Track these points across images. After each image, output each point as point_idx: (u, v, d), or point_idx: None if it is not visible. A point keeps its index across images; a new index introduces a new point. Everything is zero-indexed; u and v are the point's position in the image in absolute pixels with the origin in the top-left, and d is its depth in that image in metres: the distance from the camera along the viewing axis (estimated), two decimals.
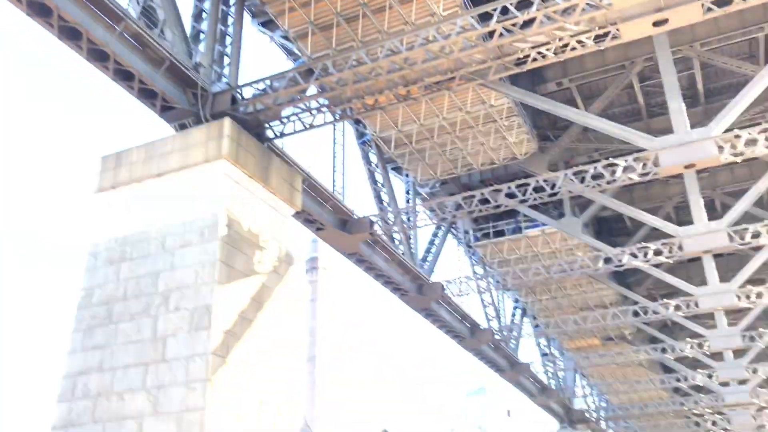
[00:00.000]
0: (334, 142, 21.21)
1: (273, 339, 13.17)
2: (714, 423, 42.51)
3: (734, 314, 28.16)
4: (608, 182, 17.53)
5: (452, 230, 28.85)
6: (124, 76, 13.43)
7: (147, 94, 13.89)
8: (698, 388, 36.45)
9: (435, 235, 27.50)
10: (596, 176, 17.76)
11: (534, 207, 23.09)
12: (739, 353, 30.52)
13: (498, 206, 19.59)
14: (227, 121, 13.50)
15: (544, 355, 38.94)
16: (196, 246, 12.52)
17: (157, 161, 13.71)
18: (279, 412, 12.83)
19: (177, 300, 12.21)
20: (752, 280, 23.54)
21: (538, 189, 18.82)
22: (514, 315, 34.96)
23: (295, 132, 15.33)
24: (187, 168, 13.36)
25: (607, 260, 22.56)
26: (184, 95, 14.26)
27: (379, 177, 22.93)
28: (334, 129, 21.40)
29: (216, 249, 12.27)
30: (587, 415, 43.94)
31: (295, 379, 13.83)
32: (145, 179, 13.71)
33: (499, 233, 28.44)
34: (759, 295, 23.62)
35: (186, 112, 14.26)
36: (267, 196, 14.18)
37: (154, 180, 13.63)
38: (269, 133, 15.21)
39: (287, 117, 15.15)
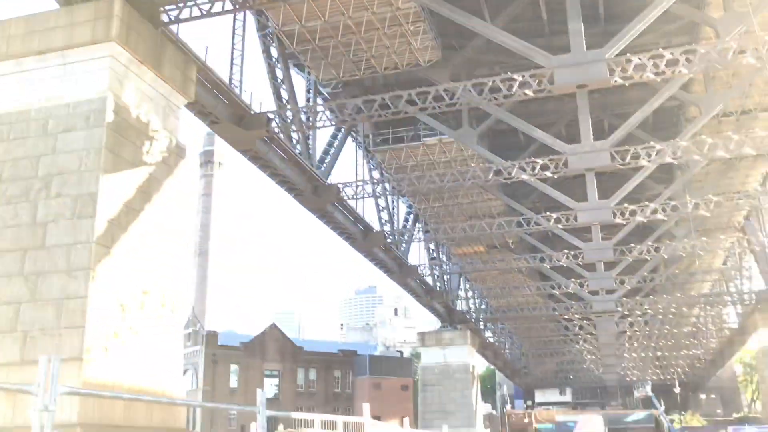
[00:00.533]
0: (234, 33, 20.32)
1: (160, 231, 12.99)
2: (581, 327, 46.13)
3: (609, 229, 30.11)
4: (505, 96, 17.94)
5: (352, 133, 28.83)
6: None
7: None
8: (570, 296, 39.06)
9: (334, 137, 27.38)
10: (494, 89, 18.10)
11: (434, 116, 23.34)
12: (609, 265, 32.89)
13: (398, 112, 19.70)
14: (118, 0, 12.67)
15: (432, 259, 40.42)
16: (80, 131, 11.96)
17: (39, 37, 12.77)
18: (164, 302, 12.83)
19: (59, 186, 11.74)
20: (628, 199, 25.06)
21: (437, 98, 19.00)
22: (407, 220, 35.86)
23: (192, 18, 14.64)
24: (72, 48, 12.54)
25: (498, 172, 23.35)
26: None
27: (279, 73, 22.31)
28: (234, 19, 20.47)
29: (102, 135, 11.77)
30: (467, 316, 46.49)
31: (183, 270, 13.80)
32: (24, 56, 12.78)
33: (398, 140, 28.81)
34: (633, 213, 25.32)
35: None
36: (158, 84, 13.58)
37: (35, 58, 12.72)
38: (164, 18, 14.43)
39: (184, 1, 14.39)
